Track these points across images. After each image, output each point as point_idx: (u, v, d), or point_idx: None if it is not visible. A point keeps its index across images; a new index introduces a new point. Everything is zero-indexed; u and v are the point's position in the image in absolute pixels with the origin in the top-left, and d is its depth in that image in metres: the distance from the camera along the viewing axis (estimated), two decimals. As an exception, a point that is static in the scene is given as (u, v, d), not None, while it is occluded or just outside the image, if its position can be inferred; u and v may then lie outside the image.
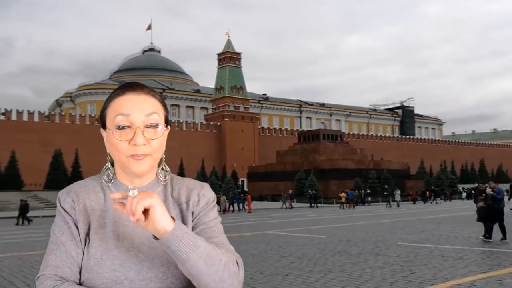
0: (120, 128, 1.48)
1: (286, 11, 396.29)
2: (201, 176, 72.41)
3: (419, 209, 39.31)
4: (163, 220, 1.31)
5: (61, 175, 62.47)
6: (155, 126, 1.50)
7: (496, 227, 15.96)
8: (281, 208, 47.32)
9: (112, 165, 1.60)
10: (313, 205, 49.01)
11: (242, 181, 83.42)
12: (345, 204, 47.53)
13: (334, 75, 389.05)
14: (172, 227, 1.31)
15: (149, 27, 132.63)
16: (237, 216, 35.81)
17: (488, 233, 15.74)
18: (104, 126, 1.55)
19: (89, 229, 1.52)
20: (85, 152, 67.15)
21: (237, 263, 1.48)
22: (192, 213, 1.60)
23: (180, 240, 1.31)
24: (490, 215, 15.86)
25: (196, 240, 1.34)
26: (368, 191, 55.59)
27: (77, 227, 1.52)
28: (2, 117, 76.11)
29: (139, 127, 1.47)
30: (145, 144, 1.47)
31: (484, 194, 16.25)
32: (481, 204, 16.22)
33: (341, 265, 11.52)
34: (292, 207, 47.83)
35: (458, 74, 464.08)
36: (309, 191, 52.26)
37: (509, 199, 32.56)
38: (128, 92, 1.53)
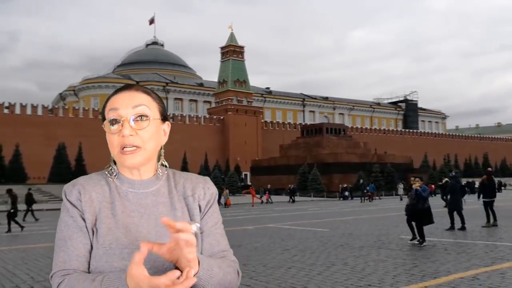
0: (111, 122, 1.55)
1: (291, 5, 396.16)
2: (204, 170, 72.48)
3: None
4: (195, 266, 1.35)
5: (65, 169, 62.71)
6: (144, 118, 1.56)
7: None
8: (261, 202, 46.64)
9: (115, 163, 1.65)
10: (291, 199, 47.68)
11: (245, 175, 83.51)
12: (369, 197, 48.39)
13: (339, 70, 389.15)
14: (197, 270, 1.36)
15: (152, 21, 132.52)
16: (240, 210, 35.86)
17: (420, 236, 13.71)
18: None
19: (96, 220, 1.55)
20: (89, 145, 67.24)
21: (238, 273, 1.58)
22: (199, 206, 1.65)
23: (200, 278, 1.38)
24: (414, 215, 14.11)
25: (212, 271, 1.42)
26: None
27: (83, 219, 1.55)
28: (6, 111, 76.26)
29: (126, 118, 1.54)
30: (133, 135, 1.53)
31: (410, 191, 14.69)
32: (408, 201, 14.62)
33: (343, 258, 11.54)
34: (271, 202, 46.96)
35: (464, 69, 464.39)
36: (290, 185, 51.53)
37: (442, 197, 32.95)
38: (120, 92, 1.61)
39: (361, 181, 51.43)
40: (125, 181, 1.61)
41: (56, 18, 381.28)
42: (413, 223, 14.20)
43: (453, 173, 19.57)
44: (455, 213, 17.88)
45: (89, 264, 1.52)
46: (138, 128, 1.54)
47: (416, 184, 14.23)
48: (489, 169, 21.66)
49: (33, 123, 75.89)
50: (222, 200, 41.59)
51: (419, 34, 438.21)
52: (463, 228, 17.28)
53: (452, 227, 17.46)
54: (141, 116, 1.55)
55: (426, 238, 13.79)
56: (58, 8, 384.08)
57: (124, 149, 1.53)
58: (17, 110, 77.20)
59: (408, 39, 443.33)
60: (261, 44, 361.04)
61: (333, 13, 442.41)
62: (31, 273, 10.28)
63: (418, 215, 14.00)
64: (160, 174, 1.66)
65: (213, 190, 1.70)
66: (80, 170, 63.54)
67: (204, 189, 1.67)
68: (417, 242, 13.63)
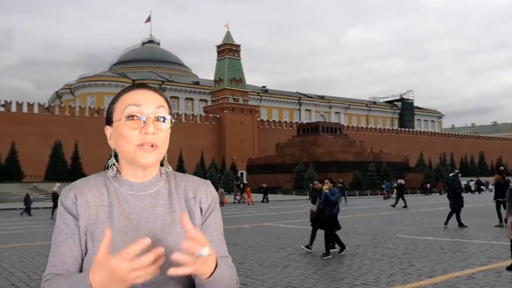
0: (131, 117, 1.53)
1: (287, 3, 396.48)
2: (201, 169, 72.41)
3: (418, 202, 39.37)
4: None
5: (61, 167, 62.62)
6: (161, 119, 1.56)
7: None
8: (234, 202, 45.72)
9: (116, 159, 1.64)
10: (265, 199, 46.09)
11: (241, 174, 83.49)
12: (384, 196, 49.31)
13: (336, 68, 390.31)
14: (212, 270, 1.40)
15: (148, 19, 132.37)
16: (236, 208, 35.85)
17: (338, 244, 12.32)
18: (109, 122, 1.61)
19: (92, 224, 1.54)
20: (85, 143, 67.27)
21: (237, 282, 1.60)
22: (201, 209, 1.65)
23: (214, 280, 1.42)
24: (321, 221, 12.56)
25: (223, 276, 1.46)
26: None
27: (76, 225, 1.55)
28: (2, 109, 76.07)
29: (149, 116, 1.53)
30: (155, 133, 1.53)
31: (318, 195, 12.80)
32: (315, 207, 12.89)
33: (339, 257, 11.55)
34: (242, 202, 46.01)
35: (460, 67, 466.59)
36: (263, 185, 50.88)
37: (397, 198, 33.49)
38: (137, 89, 1.60)
39: (341, 180, 51.40)
40: (125, 183, 1.61)
41: (53, 16, 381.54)
42: (324, 231, 12.37)
43: (452, 173, 19.55)
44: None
45: (81, 270, 1.53)
46: (158, 128, 1.54)
47: (325, 187, 12.54)
48: (501, 168, 21.69)
49: (29, 121, 75.69)
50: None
51: (415, 33, 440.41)
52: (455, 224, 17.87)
53: (460, 225, 17.93)
54: (159, 117, 1.55)
55: (342, 246, 12.27)
56: (55, 6, 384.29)
57: (143, 145, 1.52)
58: (13, 108, 77.02)
59: (404, 37, 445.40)
60: (257, 42, 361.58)
61: (329, 11, 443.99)
62: (27, 272, 10.26)
63: (326, 222, 12.44)
64: (163, 176, 1.66)
65: (214, 194, 1.69)
66: (76, 168, 63.50)
67: (206, 192, 1.67)
68: (337, 252, 12.10)
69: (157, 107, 1.55)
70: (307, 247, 12.44)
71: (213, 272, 1.39)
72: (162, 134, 1.55)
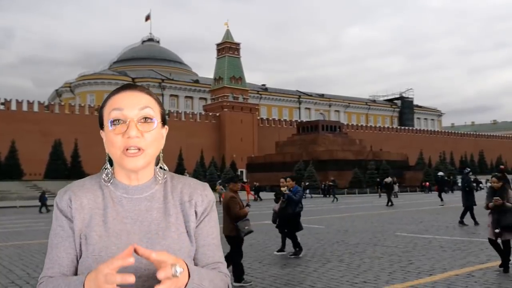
0: (114, 122, 1.51)
1: (287, 2, 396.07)
2: (200, 167, 72.37)
3: (417, 200, 39.36)
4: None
5: (61, 165, 62.58)
6: (148, 120, 1.53)
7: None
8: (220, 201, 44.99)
9: (111, 164, 1.62)
10: (257, 198, 45.68)
11: (241, 172, 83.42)
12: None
13: (335, 67, 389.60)
14: (186, 281, 1.34)
15: (148, 17, 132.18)
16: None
17: (295, 246, 11.81)
18: (102, 126, 1.58)
19: (86, 227, 1.53)
20: (85, 142, 67.11)
21: (228, 286, 1.58)
22: (196, 213, 1.62)
23: None
24: (285, 222, 12.18)
25: (202, 285, 1.40)
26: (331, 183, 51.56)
27: (71, 227, 1.55)
28: (2, 107, 76.12)
29: (132, 120, 1.50)
30: (139, 137, 1.50)
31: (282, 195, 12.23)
32: (277, 207, 12.45)
33: (339, 255, 11.56)
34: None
35: (460, 66, 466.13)
36: (255, 183, 50.71)
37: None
38: (122, 91, 1.57)
39: (332, 178, 51.38)
40: (120, 186, 1.59)
41: (52, 15, 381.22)
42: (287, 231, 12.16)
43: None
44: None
45: (76, 272, 1.52)
46: (144, 130, 1.51)
47: (284, 188, 12.12)
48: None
49: (29, 120, 75.69)
50: (217, 197, 41.15)
51: (415, 31, 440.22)
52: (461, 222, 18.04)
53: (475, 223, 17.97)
54: (146, 118, 1.53)
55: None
56: (54, 5, 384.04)
57: (128, 150, 1.49)
58: (13, 107, 77.05)
59: (404, 36, 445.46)
60: (257, 41, 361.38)
61: (329, 10, 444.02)
62: (27, 269, 10.27)
63: (287, 221, 12.10)
64: (159, 178, 1.63)
65: (211, 197, 1.66)
66: (76, 166, 63.47)
67: (202, 195, 1.64)
68: (292, 255, 11.58)
69: (141, 109, 1.52)
70: (281, 251, 12.18)
71: (187, 283, 1.35)
72: (148, 135, 1.52)
